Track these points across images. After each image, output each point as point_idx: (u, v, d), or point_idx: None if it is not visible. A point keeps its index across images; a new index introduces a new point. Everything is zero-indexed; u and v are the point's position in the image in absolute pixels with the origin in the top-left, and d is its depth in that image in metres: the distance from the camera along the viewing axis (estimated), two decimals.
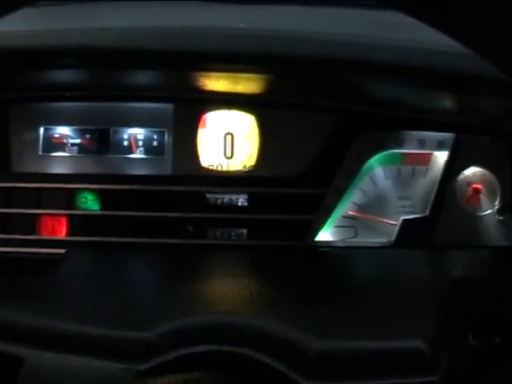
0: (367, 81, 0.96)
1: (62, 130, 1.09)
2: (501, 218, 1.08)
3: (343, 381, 0.70)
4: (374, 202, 1.09)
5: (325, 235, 1.08)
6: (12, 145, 1.07)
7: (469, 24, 0.49)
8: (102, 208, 1.06)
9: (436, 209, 1.08)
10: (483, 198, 1.09)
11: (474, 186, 1.09)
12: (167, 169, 1.08)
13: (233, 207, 1.07)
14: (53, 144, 1.08)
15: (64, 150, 1.08)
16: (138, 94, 1.08)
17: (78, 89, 1.07)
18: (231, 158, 1.09)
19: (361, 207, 1.09)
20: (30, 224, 1.06)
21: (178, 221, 1.06)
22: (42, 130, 1.08)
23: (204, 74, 0.96)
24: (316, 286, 0.87)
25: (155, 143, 1.09)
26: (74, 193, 1.06)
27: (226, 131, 1.10)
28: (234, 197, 1.07)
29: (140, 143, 1.09)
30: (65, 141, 1.08)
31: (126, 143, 1.09)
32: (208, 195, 1.06)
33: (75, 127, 1.09)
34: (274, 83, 1.00)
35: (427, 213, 1.08)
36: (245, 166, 1.09)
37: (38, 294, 0.82)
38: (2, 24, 0.83)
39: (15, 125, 1.08)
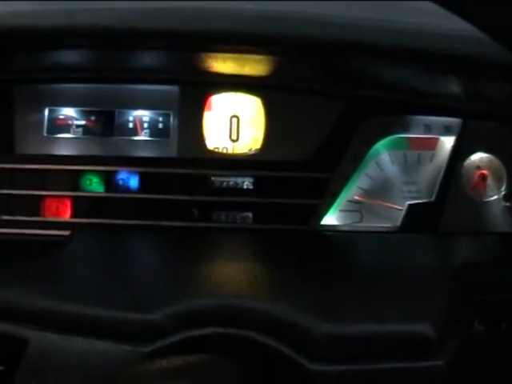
0: (374, 65, 0.95)
1: (67, 112, 1.08)
2: (507, 204, 1.08)
3: (349, 364, 0.70)
4: (380, 187, 1.08)
5: (330, 219, 1.07)
6: (17, 126, 1.07)
7: (484, 6, 0.48)
8: (107, 190, 1.06)
9: (442, 194, 1.08)
10: (489, 183, 1.09)
11: (481, 171, 1.08)
12: (172, 151, 1.08)
13: (238, 190, 1.06)
14: (57, 126, 1.08)
15: (69, 132, 1.08)
16: (144, 76, 1.08)
17: (84, 70, 1.06)
18: (237, 141, 1.09)
19: (366, 192, 1.08)
20: (35, 206, 1.05)
21: (183, 203, 1.05)
22: (46, 112, 1.08)
23: (210, 55, 0.95)
24: (321, 270, 0.87)
25: (160, 125, 1.08)
26: (78, 175, 1.06)
27: (232, 114, 1.09)
28: (239, 180, 1.06)
29: (145, 125, 1.08)
30: (70, 122, 1.08)
31: (131, 125, 1.08)
32: (213, 178, 1.06)
33: (80, 109, 1.08)
34: (281, 66, 1.00)
35: (433, 198, 1.08)
36: (250, 150, 1.09)
37: (42, 276, 0.83)
38: (7, 4, 0.83)
39: (20, 106, 1.07)
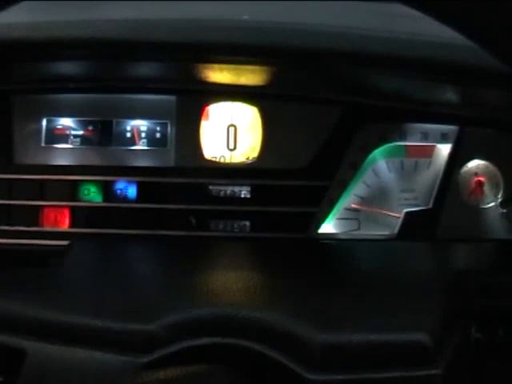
0: (370, 73, 0.95)
1: (65, 122, 1.08)
2: (504, 210, 1.08)
3: (347, 374, 0.70)
4: (377, 195, 1.09)
5: (328, 227, 1.07)
6: (15, 136, 1.07)
7: (472, 16, 0.48)
8: (105, 200, 1.06)
9: (439, 201, 1.08)
10: (486, 190, 1.09)
11: (477, 178, 1.08)
12: (170, 160, 1.08)
13: (236, 199, 1.07)
14: (55, 135, 1.08)
15: (67, 142, 1.08)
16: (142, 86, 1.08)
17: (81, 80, 1.07)
18: (234, 149, 1.09)
19: (364, 200, 1.08)
20: (33, 216, 1.06)
21: (181, 212, 1.06)
22: (44, 122, 1.08)
23: (207, 65, 0.96)
24: (319, 279, 0.87)
25: (158, 135, 1.08)
26: (76, 184, 1.06)
27: (229, 123, 1.10)
28: (236, 189, 1.07)
29: (143, 135, 1.08)
30: (67, 132, 1.08)
31: (128, 135, 1.08)
32: (211, 187, 1.06)
33: (78, 119, 1.08)
34: (277, 75, 1.00)
35: (430, 205, 1.08)
36: (248, 158, 1.09)
37: (40, 286, 0.83)
38: (6, 16, 0.83)
39: (18, 116, 1.08)
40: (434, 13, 0.50)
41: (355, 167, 1.07)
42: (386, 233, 1.08)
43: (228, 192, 1.07)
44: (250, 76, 1.00)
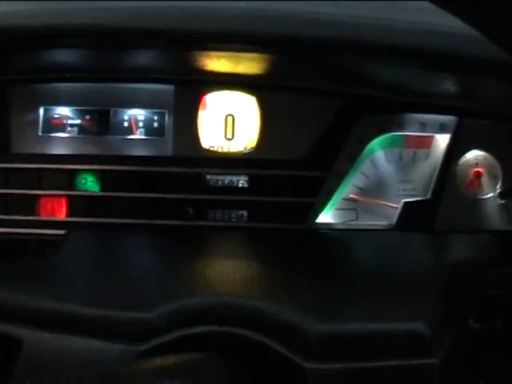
0: (369, 63, 0.95)
1: (62, 111, 1.08)
2: (502, 201, 1.08)
3: (344, 363, 0.70)
4: (375, 185, 1.09)
5: (326, 218, 1.07)
6: (12, 126, 1.07)
7: (477, 4, 0.48)
8: (102, 189, 1.06)
9: (437, 192, 1.08)
10: (485, 181, 1.09)
11: (476, 169, 1.08)
12: (167, 150, 1.08)
13: (233, 189, 1.06)
14: (53, 125, 1.08)
15: (64, 131, 1.08)
16: (139, 76, 1.07)
17: (79, 70, 1.06)
18: (232, 139, 1.09)
19: (362, 190, 1.08)
20: (30, 205, 1.05)
21: (179, 202, 1.05)
22: (41, 111, 1.08)
23: (205, 54, 0.95)
24: (316, 269, 0.87)
25: (156, 124, 1.08)
26: (73, 174, 1.06)
27: (227, 113, 1.09)
28: (234, 178, 1.06)
29: (140, 124, 1.08)
30: (65, 122, 1.08)
31: (126, 124, 1.08)
32: (208, 177, 1.06)
33: (75, 108, 1.08)
34: (276, 64, 0.99)
35: (428, 196, 1.08)
36: (245, 148, 1.09)
37: (37, 275, 0.82)
38: (2, 4, 0.82)
39: (15, 106, 1.07)
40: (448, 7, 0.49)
41: (353, 158, 1.07)
42: (384, 223, 1.08)
43: (226, 182, 1.06)
44: (248, 65, 1.00)
